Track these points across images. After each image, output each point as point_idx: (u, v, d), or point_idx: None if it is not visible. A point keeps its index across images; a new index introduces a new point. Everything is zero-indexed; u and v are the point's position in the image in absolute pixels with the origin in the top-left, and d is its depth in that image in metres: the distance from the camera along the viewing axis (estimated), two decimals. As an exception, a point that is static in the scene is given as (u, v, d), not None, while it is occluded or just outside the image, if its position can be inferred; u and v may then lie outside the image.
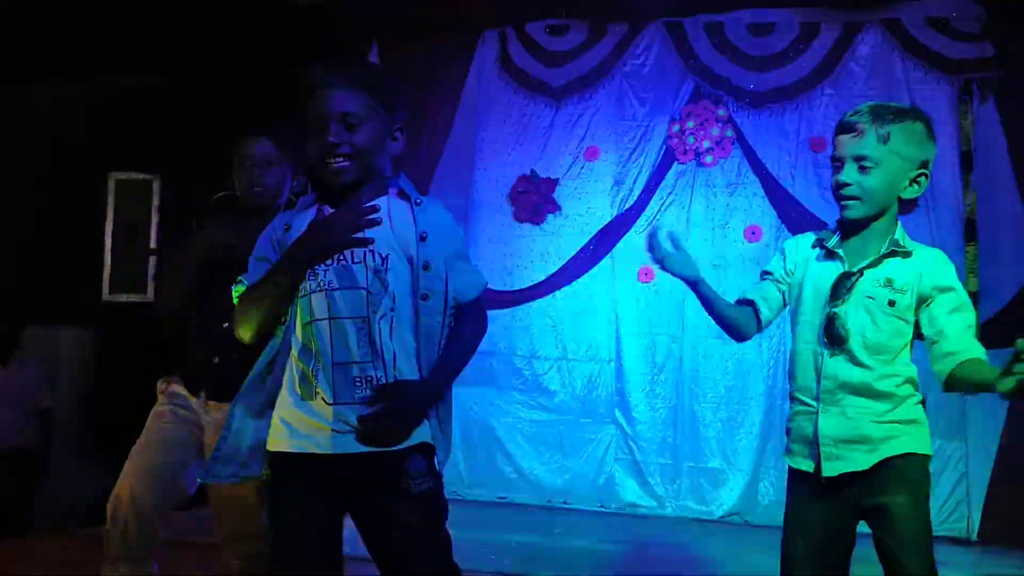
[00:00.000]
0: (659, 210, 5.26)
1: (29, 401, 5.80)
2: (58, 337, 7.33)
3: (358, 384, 1.80)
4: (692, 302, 5.10)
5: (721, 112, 5.19)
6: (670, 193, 5.25)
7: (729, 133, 5.19)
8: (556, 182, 5.35)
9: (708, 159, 5.20)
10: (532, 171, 5.36)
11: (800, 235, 2.25)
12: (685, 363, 5.15)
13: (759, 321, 2.21)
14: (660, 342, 5.20)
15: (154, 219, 5.49)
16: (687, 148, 5.21)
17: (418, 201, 1.89)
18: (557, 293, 5.30)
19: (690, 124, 5.21)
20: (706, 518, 4.99)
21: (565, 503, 5.18)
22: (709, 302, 2.22)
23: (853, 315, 2.04)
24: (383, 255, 1.83)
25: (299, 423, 1.80)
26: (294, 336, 1.85)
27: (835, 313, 2.05)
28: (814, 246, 2.15)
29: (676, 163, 5.24)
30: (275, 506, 1.84)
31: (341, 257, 1.83)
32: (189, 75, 7.35)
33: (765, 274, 2.26)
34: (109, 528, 2.46)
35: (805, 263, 2.16)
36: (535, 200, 5.34)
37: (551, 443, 5.26)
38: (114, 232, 6.14)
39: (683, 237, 5.05)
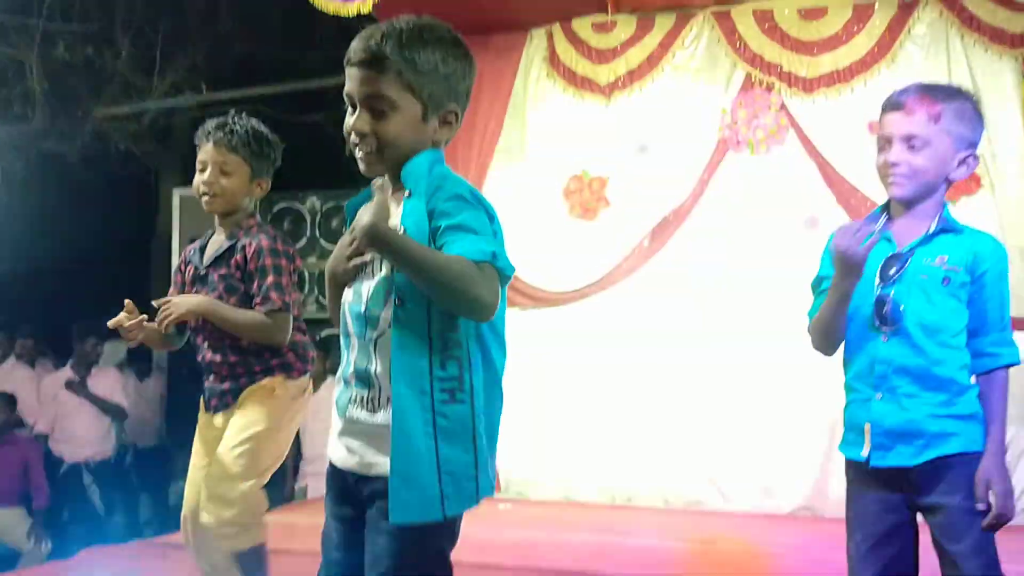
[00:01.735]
0: (713, 203, 5.18)
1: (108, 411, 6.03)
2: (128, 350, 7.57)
3: (354, 402, 1.66)
4: (751, 295, 5.06)
5: (774, 100, 5.10)
6: (724, 185, 5.17)
7: (783, 121, 5.09)
8: (608, 179, 5.31)
9: (762, 148, 5.11)
10: (583, 169, 5.34)
11: (839, 228, 2.12)
12: (746, 356, 5.04)
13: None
14: (719, 335, 5.09)
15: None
16: (740, 138, 5.13)
17: (409, 192, 1.61)
18: (613, 289, 5.26)
19: (742, 114, 5.12)
20: (775, 513, 4.90)
21: (629, 500, 5.15)
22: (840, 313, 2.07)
23: (906, 295, 2.00)
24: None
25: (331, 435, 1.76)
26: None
27: (886, 294, 2.01)
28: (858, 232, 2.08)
29: (729, 154, 5.16)
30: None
31: (362, 271, 1.68)
32: (247, 89, 7.53)
33: (820, 284, 2.17)
34: (186, 545, 2.60)
35: None
36: (587, 198, 5.31)
37: (614, 440, 5.21)
38: (180, 246, 6.31)
39: (740, 229, 5.05)
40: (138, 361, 6.81)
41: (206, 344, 2.62)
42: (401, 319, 1.57)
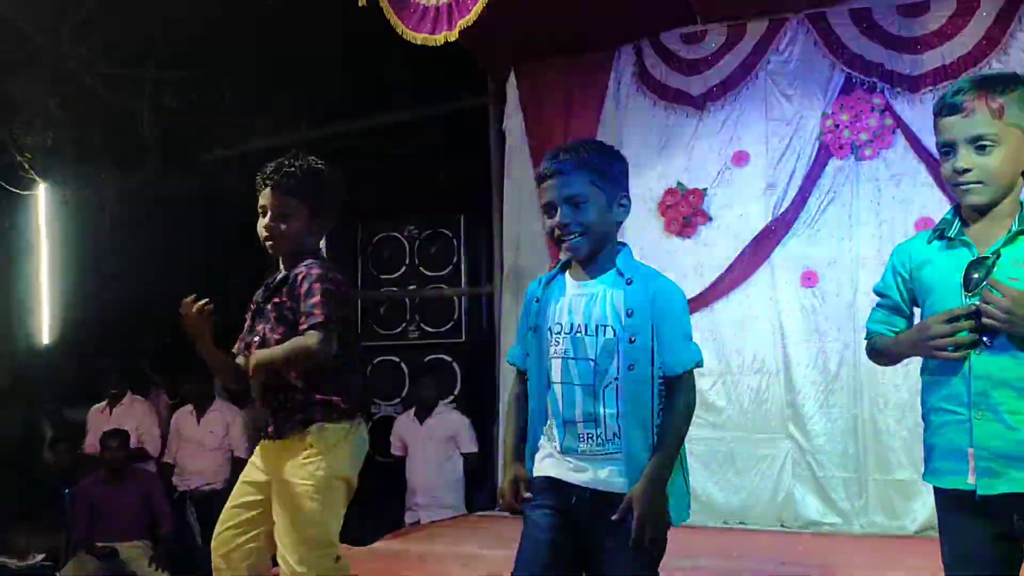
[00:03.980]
0: (818, 210, 4.99)
1: (222, 447, 6.17)
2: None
3: (581, 439, 2.09)
4: (862, 304, 4.84)
5: (877, 100, 4.89)
6: (828, 191, 4.97)
7: (888, 122, 4.87)
8: (704, 192, 5.19)
9: (867, 151, 4.91)
10: (679, 183, 5.23)
11: (906, 241, 2.14)
12: (861, 369, 4.83)
13: None
14: (831, 348, 4.91)
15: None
16: (843, 142, 4.94)
17: (629, 280, 2.11)
18: (715, 305, 5.12)
19: (844, 117, 4.93)
20: (899, 534, 4.65)
21: (742, 523, 4.97)
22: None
23: None
24: (614, 329, 2.08)
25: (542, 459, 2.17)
26: (538, 392, 2.16)
27: (978, 304, 1.84)
28: (930, 240, 2.00)
29: (832, 159, 4.97)
30: (528, 520, 2.16)
31: (577, 328, 2.11)
32: (345, 123, 7.70)
33: (881, 297, 2.14)
34: None
35: (922, 264, 2.01)
36: (684, 212, 5.20)
37: (722, 461, 5.06)
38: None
39: (847, 236, 4.85)
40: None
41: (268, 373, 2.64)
42: (633, 378, 2.06)
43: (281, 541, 2.54)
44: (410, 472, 5.80)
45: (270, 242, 2.65)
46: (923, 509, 4.64)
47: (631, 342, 2.04)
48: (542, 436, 2.17)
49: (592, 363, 2.08)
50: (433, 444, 5.79)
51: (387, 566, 4.12)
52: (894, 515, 4.72)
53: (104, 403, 6.37)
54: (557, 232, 2.12)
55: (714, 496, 5.06)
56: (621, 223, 2.19)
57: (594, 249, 2.14)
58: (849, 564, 4.04)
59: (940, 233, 1.99)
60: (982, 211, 1.92)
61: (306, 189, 2.63)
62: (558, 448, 2.12)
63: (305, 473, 2.53)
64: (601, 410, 2.07)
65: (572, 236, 2.11)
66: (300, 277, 2.56)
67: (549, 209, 2.13)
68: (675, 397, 2.09)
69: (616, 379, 2.06)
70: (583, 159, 2.12)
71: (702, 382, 5.08)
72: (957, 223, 1.97)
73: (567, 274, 2.20)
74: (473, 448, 5.81)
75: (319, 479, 2.53)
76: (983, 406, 1.84)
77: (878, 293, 2.15)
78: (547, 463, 2.15)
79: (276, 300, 2.61)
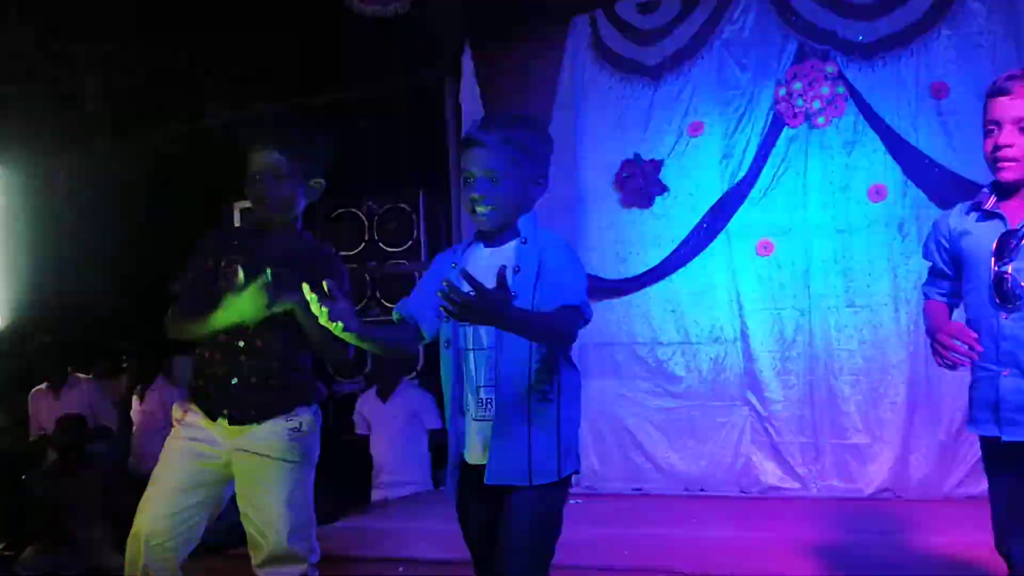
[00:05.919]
0: (773, 179, 5.03)
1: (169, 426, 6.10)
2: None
3: (483, 405, 2.07)
4: (817, 272, 4.90)
5: (830, 69, 4.91)
6: (783, 160, 5.01)
7: (841, 90, 4.90)
8: (661, 163, 5.20)
9: (820, 120, 4.93)
10: (635, 154, 5.23)
11: (945, 212, 2.30)
12: (816, 336, 4.90)
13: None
14: (787, 316, 4.97)
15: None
16: (796, 111, 4.96)
17: (524, 240, 2.10)
18: (673, 276, 5.15)
19: (797, 86, 4.95)
20: (855, 496, 4.74)
21: (702, 490, 5.04)
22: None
23: None
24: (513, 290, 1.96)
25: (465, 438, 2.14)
26: (452, 360, 2.13)
27: (1004, 271, 2.06)
28: (968, 212, 2.19)
29: (786, 128, 4.99)
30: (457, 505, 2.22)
31: None
32: (301, 98, 7.59)
33: (932, 270, 2.33)
34: (128, 571, 2.45)
35: (961, 233, 2.19)
36: (641, 183, 5.20)
37: (682, 430, 5.12)
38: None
39: (802, 204, 4.90)
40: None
41: (249, 343, 2.54)
42: (511, 339, 2.00)
43: (270, 518, 2.48)
44: (375, 450, 5.78)
45: (266, 204, 2.60)
46: (878, 472, 4.75)
47: (513, 298, 1.93)
48: (456, 410, 2.15)
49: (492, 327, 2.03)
50: (397, 421, 5.77)
51: (350, 543, 4.12)
52: (850, 479, 4.81)
53: (44, 385, 6.22)
54: (471, 203, 2.10)
55: (675, 464, 5.12)
56: (537, 199, 2.16)
57: (504, 223, 2.11)
58: (805, 527, 4.10)
59: (977, 205, 2.17)
60: (1013, 188, 2.12)
61: (299, 149, 2.59)
62: (472, 416, 2.10)
63: (300, 452, 2.53)
64: (495, 374, 2.06)
65: (485, 209, 2.09)
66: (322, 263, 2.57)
67: (468, 179, 2.10)
68: (554, 313, 2.01)
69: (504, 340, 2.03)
70: (507, 135, 2.08)
71: (662, 352, 5.16)
72: (993, 197, 2.15)
73: (481, 243, 2.18)
74: (437, 424, 5.79)
75: (309, 458, 2.57)
76: (1010, 365, 2.06)
77: (926, 260, 2.34)
78: (468, 449, 2.14)
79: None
